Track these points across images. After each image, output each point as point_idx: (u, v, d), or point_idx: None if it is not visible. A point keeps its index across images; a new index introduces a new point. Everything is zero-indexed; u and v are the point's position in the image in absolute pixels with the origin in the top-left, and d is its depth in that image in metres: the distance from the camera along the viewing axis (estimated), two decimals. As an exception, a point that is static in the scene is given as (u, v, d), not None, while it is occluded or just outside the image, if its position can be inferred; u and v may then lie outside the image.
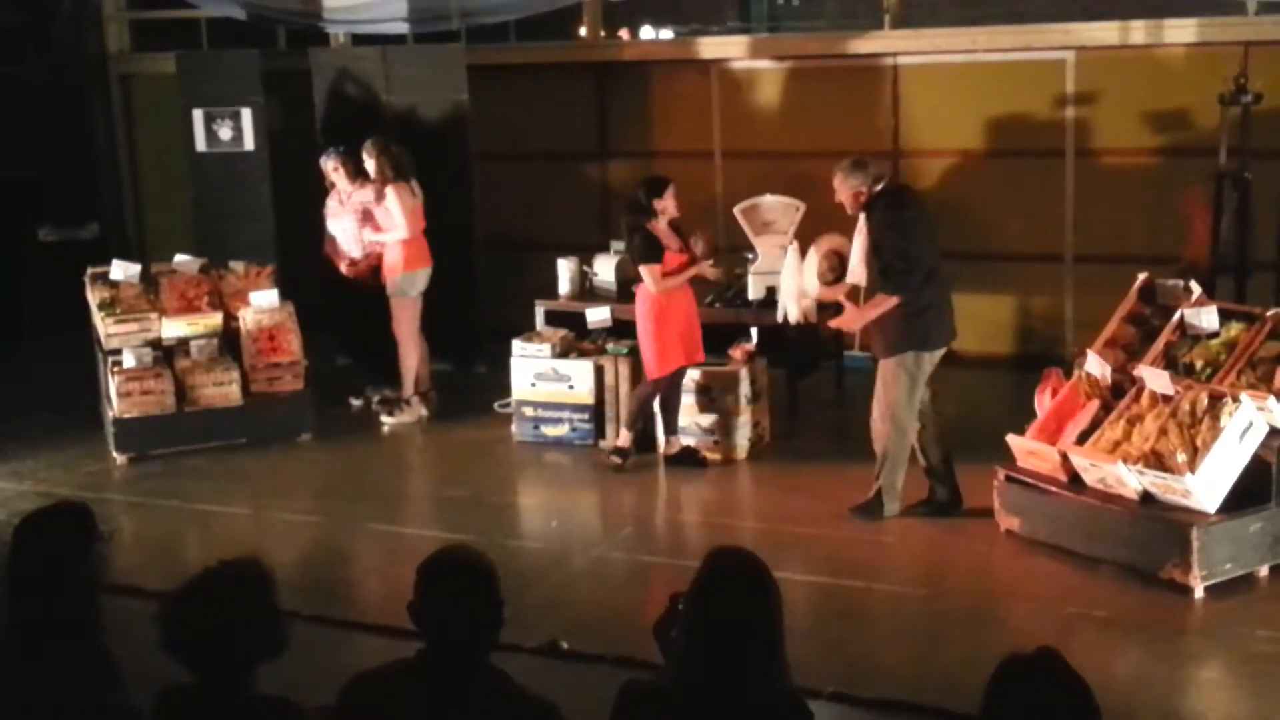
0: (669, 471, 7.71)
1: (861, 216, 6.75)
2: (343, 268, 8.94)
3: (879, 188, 6.71)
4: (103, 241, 11.25)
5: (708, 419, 7.77)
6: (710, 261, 7.63)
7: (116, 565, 3.95)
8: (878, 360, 6.81)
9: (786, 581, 6.23)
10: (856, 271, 6.90)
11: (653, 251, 7.42)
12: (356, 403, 9.19)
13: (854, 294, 7.02)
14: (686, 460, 7.69)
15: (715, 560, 3.20)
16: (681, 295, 7.55)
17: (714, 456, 7.69)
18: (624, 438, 7.71)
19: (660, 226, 7.46)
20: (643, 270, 7.44)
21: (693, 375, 7.75)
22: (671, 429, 7.72)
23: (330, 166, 8.82)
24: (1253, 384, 6.16)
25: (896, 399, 6.66)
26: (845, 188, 6.73)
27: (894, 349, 6.66)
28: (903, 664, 5.40)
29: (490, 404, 8.91)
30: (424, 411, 8.85)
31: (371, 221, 8.76)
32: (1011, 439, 6.56)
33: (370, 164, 8.69)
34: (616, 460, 7.68)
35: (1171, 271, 7.35)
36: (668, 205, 7.45)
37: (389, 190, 8.60)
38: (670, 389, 7.64)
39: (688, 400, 7.76)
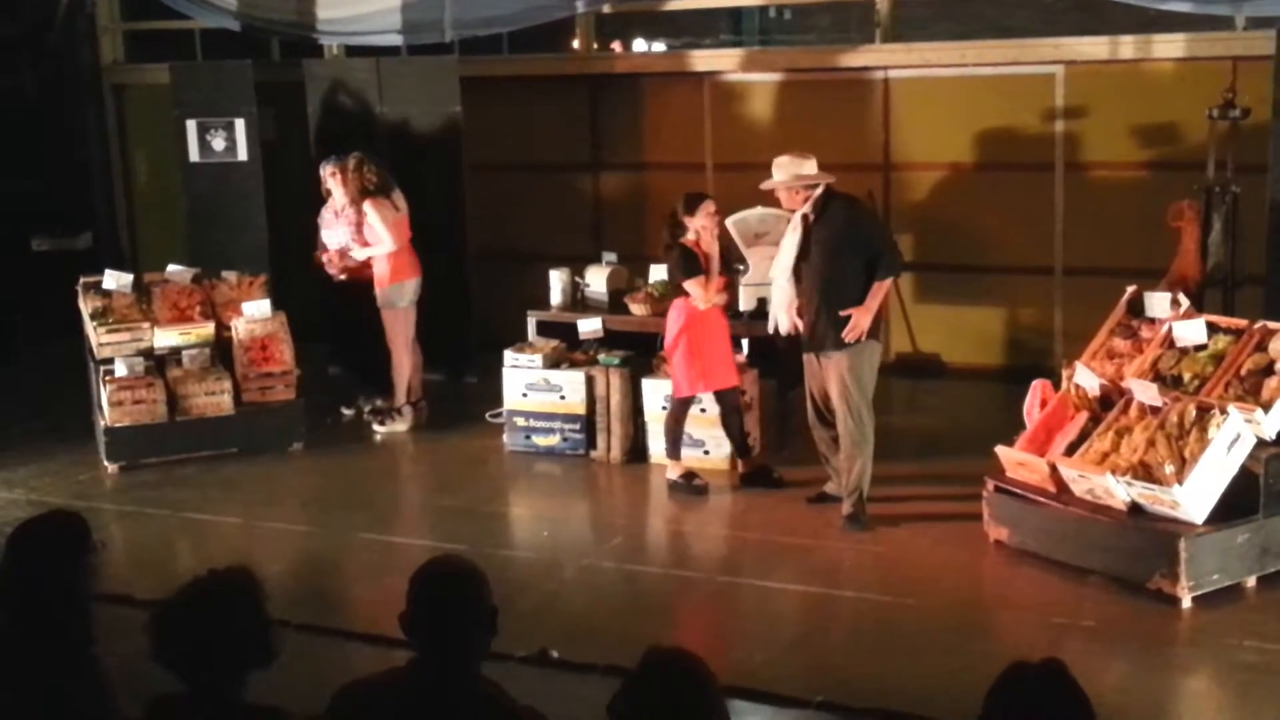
0: (662, 486, 7.72)
1: (798, 215, 6.85)
2: (332, 273, 8.92)
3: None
4: (95, 251, 11.26)
5: (699, 430, 7.78)
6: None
7: (107, 574, 3.95)
8: (820, 355, 6.89)
9: (776, 591, 6.34)
10: (785, 270, 6.97)
11: (692, 265, 7.30)
12: (348, 412, 9.20)
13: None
14: (761, 480, 7.57)
15: (649, 661, 2.91)
16: (714, 315, 7.47)
17: (704, 467, 7.70)
18: (676, 468, 7.57)
19: (697, 243, 7.33)
20: (687, 286, 7.33)
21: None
22: (743, 450, 7.64)
23: (328, 172, 8.82)
24: (1240, 396, 6.19)
25: (863, 389, 6.80)
26: (799, 182, 6.81)
27: (861, 336, 6.78)
28: (892, 674, 5.41)
29: (482, 414, 8.93)
30: (411, 419, 8.87)
31: (361, 235, 8.76)
32: (1001, 450, 6.59)
33: (334, 186, 8.70)
34: (700, 483, 7.53)
35: (1160, 284, 7.40)
36: (701, 223, 7.30)
37: (367, 206, 8.61)
38: (727, 412, 7.57)
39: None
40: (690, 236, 7.34)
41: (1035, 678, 2.76)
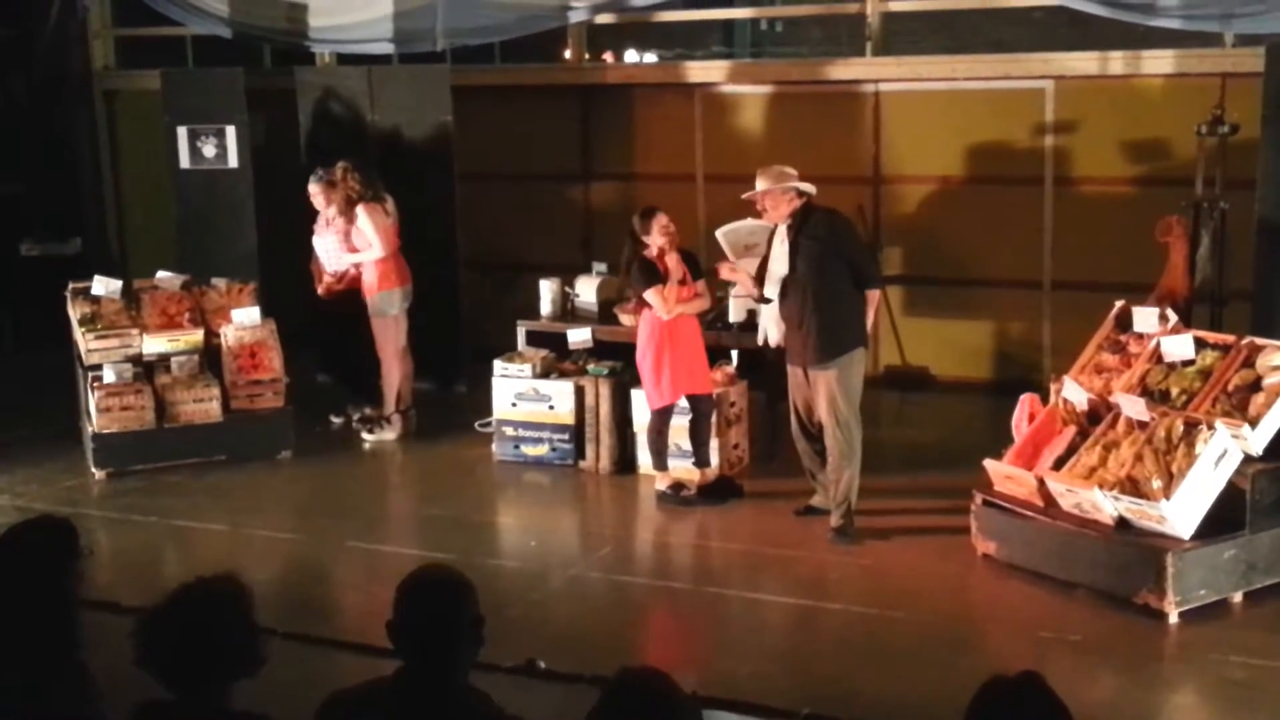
0: (650, 497, 7.71)
1: (781, 227, 6.88)
2: (319, 289, 8.93)
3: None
4: (85, 257, 11.23)
5: (687, 441, 7.78)
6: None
7: (94, 581, 3.94)
8: (809, 369, 6.89)
9: (763, 603, 6.35)
10: (774, 282, 6.98)
11: (650, 275, 7.34)
12: (337, 420, 9.19)
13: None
14: (723, 490, 7.61)
15: (620, 682, 2.88)
16: (685, 324, 7.48)
17: (692, 478, 7.70)
18: (664, 479, 7.61)
19: (660, 255, 7.36)
20: (647, 296, 7.37)
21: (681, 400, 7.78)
22: (703, 461, 7.65)
23: (312, 190, 8.81)
24: (1228, 411, 6.21)
25: (851, 399, 6.81)
26: (782, 193, 6.83)
27: (847, 346, 6.81)
28: (878, 686, 5.41)
29: (471, 423, 8.91)
30: (400, 428, 8.86)
31: (349, 242, 8.76)
32: (989, 464, 6.60)
33: (318, 197, 8.70)
34: (688, 494, 7.57)
35: (1149, 300, 7.43)
36: (654, 237, 7.34)
37: (360, 210, 8.61)
38: (697, 418, 7.60)
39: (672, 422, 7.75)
40: (651, 250, 7.37)
41: (1013, 691, 2.77)
